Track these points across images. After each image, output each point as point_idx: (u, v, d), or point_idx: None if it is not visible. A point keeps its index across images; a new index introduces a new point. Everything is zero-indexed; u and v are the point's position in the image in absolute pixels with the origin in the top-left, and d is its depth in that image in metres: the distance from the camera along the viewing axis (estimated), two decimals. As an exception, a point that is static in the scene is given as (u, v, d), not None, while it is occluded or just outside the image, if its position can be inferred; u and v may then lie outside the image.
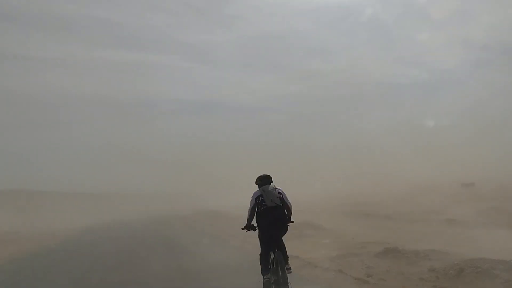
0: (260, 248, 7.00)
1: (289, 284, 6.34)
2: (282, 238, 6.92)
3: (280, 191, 6.89)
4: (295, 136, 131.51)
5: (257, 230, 6.94)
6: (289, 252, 6.84)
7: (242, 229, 7.06)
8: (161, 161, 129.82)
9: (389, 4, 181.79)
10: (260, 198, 6.79)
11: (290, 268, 6.70)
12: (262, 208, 6.75)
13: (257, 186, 6.99)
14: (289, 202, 6.94)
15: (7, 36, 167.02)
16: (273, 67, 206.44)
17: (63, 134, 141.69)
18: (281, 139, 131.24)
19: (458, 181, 42.60)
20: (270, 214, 6.68)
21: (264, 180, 6.94)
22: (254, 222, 6.94)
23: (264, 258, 6.87)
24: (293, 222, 6.99)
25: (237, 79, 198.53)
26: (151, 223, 34.85)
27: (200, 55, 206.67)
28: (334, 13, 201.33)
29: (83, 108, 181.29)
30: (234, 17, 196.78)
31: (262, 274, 6.85)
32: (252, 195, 6.93)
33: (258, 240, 7.02)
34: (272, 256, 6.79)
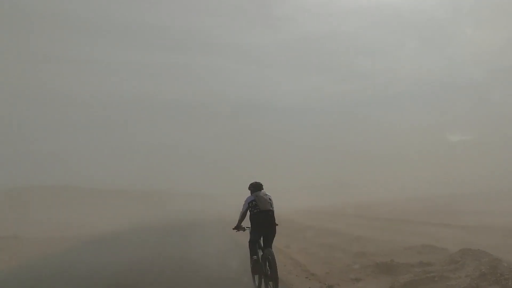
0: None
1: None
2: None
3: (270, 198, 7.77)
4: (341, 137, 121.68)
5: (246, 230, 7.90)
6: None
7: (233, 229, 8.02)
8: (207, 161, 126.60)
9: (441, 1, 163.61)
10: (253, 202, 7.66)
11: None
12: (255, 211, 7.61)
13: (250, 191, 7.88)
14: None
15: (71, 43, 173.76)
16: (320, 68, 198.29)
17: (119, 134, 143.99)
18: (328, 141, 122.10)
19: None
20: (263, 216, 7.54)
21: (256, 187, 7.88)
22: (244, 224, 7.91)
23: (253, 243, 7.69)
24: (277, 225, 7.73)
25: (285, 80, 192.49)
26: (180, 227, 28.87)
27: (247, 57, 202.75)
28: (383, 12, 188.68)
29: (134, 108, 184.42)
30: (282, 19, 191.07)
31: (250, 255, 7.76)
32: (245, 199, 7.79)
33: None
34: (261, 253, 7.55)
